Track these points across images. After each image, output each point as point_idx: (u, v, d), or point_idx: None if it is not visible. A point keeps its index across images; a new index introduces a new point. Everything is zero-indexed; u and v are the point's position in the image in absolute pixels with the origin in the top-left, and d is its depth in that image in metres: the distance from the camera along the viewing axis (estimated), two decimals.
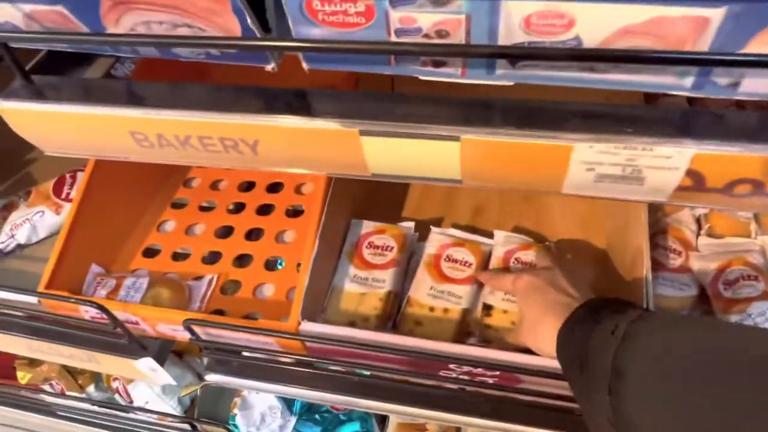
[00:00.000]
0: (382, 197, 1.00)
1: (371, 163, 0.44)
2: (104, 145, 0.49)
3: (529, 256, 0.82)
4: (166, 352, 0.94)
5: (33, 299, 0.86)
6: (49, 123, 0.48)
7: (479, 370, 0.70)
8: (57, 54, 0.52)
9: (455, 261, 0.85)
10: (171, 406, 1.26)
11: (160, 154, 0.48)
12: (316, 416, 1.19)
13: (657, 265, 0.79)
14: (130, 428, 1.28)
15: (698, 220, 0.86)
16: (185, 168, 1.14)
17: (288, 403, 1.20)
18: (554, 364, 0.67)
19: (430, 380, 0.76)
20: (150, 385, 1.26)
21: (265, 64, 0.45)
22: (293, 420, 1.19)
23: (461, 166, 0.41)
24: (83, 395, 1.32)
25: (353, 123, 0.40)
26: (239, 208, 1.06)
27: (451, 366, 0.71)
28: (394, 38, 0.40)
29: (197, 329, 0.78)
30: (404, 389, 0.83)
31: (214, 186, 1.11)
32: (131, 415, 1.28)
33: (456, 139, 0.39)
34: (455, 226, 0.93)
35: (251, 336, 0.76)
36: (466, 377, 0.73)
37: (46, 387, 1.34)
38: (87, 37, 0.43)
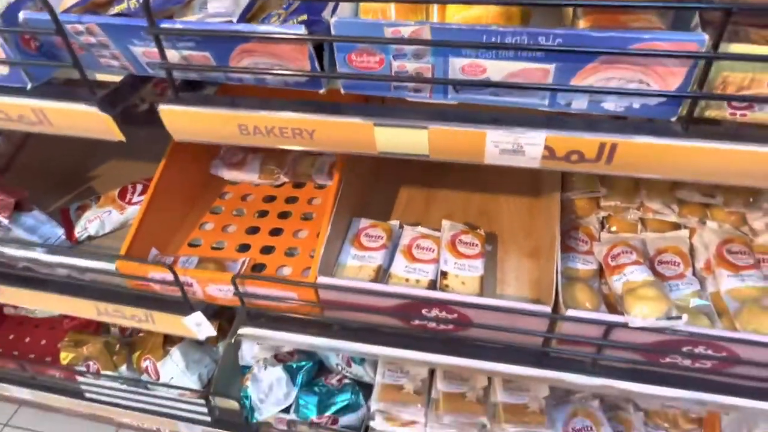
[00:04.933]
0: (374, 207, 1.33)
1: (379, 144, 0.77)
2: (220, 133, 0.82)
3: (467, 238, 1.15)
4: (209, 313, 1.22)
5: (111, 266, 1.15)
6: (187, 119, 0.81)
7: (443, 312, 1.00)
8: (187, 82, 0.86)
9: (422, 248, 1.18)
10: (192, 382, 1.51)
11: (253, 140, 0.81)
12: (315, 388, 1.45)
13: (571, 249, 1.12)
14: (153, 403, 1.52)
15: (601, 222, 1.20)
16: (221, 183, 1.46)
17: (292, 376, 1.46)
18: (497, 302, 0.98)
19: (412, 321, 1.06)
20: (176, 362, 1.51)
21: (319, 89, 0.79)
22: (295, 390, 1.45)
23: (429, 145, 0.75)
24: (116, 374, 1.56)
25: (370, 119, 0.74)
26: (264, 214, 1.38)
27: (424, 310, 1.02)
28: (394, 75, 0.75)
29: (240, 285, 1.07)
30: (393, 333, 1.11)
31: (244, 198, 1.43)
32: (154, 392, 1.52)
33: (425, 128, 0.73)
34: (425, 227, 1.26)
35: (279, 290, 1.06)
36: (438, 312, 1.03)
37: (83, 368, 1.57)
38: (224, 73, 0.77)
